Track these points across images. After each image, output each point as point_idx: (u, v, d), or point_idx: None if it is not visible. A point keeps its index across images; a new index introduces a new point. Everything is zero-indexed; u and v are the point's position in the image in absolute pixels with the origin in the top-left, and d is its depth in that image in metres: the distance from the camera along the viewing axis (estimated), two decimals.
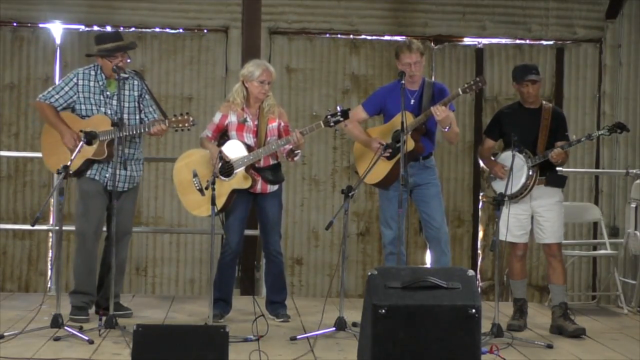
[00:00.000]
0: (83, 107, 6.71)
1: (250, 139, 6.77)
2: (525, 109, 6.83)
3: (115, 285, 6.45)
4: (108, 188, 6.65)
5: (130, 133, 6.58)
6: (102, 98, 6.71)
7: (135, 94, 6.77)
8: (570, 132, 9.37)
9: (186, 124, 6.53)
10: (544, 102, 6.90)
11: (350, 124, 6.81)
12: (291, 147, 6.67)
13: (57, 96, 6.72)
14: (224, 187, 6.67)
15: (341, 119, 6.56)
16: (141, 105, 6.77)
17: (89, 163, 6.64)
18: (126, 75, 6.69)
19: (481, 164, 7.34)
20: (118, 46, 6.68)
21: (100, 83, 6.73)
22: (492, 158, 6.92)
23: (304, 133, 6.64)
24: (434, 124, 6.85)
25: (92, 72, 6.75)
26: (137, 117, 6.75)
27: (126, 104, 6.71)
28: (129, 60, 6.75)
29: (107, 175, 6.66)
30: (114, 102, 6.67)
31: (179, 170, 6.87)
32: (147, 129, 6.60)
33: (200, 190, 6.37)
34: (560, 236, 6.87)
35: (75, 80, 6.73)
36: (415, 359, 4.79)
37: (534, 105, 6.81)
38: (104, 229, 6.88)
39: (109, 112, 6.68)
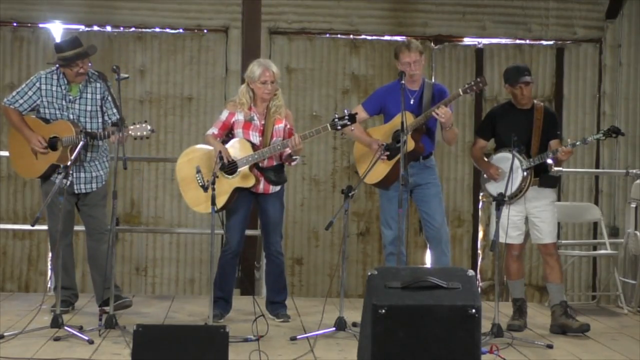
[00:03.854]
0: (47, 111, 6.84)
1: (255, 138, 6.76)
2: (518, 110, 6.82)
3: (105, 283, 6.49)
4: (75, 191, 6.84)
5: (91, 141, 6.73)
6: (64, 103, 6.82)
7: (98, 96, 6.85)
8: (570, 132, 9.45)
9: (144, 132, 6.58)
10: (535, 101, 6.90)
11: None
12: (289, 151, 6.67)
13: (21, 101, 6.85)
14: (227, 185, 6.67)
15: (348, 122, 6.56)
16: (104, 108, 6.84)
17: (53, 168, 6.75)
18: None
19: (474, 164, 7.33)
20: (76, 54, 6.73)
21: (63, 87, 6.82)
22: (485, 159, 6.91)
23: (306, 137, 6.63)
24: (435, 124, 6.86)
25: (55, 77, 6.84)
26: (100, 120, 6.83)
27: (89, 108, 6.81)
28: (90, 64, 6.80)
29: (69, 179, 6.74)
30: (76, 106, 6.80)
31: (182, 166, 6.86)
32: (103, 137, 6.71)
33: (203, 187, 6.38)
34: (555, 235, 6.89)
35: (38, 84, 6.84)
36: (415, 359, 4.79)
37: (526, 105, 6.81)
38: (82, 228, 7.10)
39: (71, 116, 6.80)
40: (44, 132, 6.77)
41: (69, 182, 6.76)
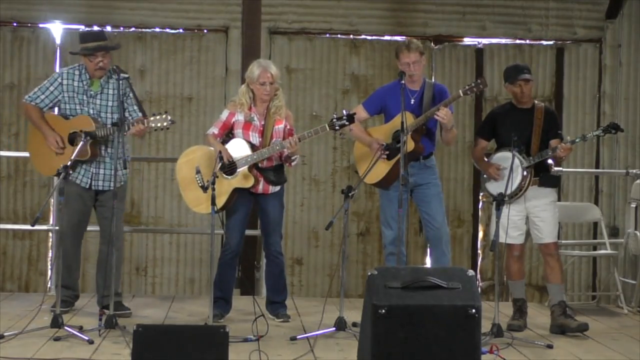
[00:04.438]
0: (67, 106, 6.83)
1: (255, 139, 6.77)
2: (518, 109, 6.83)
3: (109, 286, 6.47)
4: (93, 188, 6.82)
5: (111, 134, 6.67)
6: (85, 97, 6.82)
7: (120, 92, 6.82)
8: (570, 132, 9.43)
9: (164, 123, 6.59)
10: (536, 101, 6.90)
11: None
12: (287, 152, 6.68)
13: (42, 96, 6.85)
14: (226, 186, 6.67)
15: (347, 123, 6.56)
16: (125, 104, 6.80)
17: (74, 164, 6.69)
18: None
19: (475, 164, 7.33)
20: (99, 45, 6.76)
21: (84, 82, 6.83)
22: (486, 159, 6.91)
23: (302, 138, 6.64)
24: (435, 124, 6.86)
25: (77, 72, 6.86)
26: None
27: (110, 103, 6.82)
28: (110, 60, 6.83)
29: (88, 176, 6.80)
30: (97, 102, 6.80)
31: (182, 167, 6.87)
32: (126, 130, 6.66)
33: (203, 187, 6.39)
34: (556, 235, 6.88)
35: (59, 80, 6.85)
36: (415, 359, 4.79)
37: (526, 105, 6.81)
38: (92, 228, 7.09)
39: (91, 111, 6.79)
40: (64, 128, 6.75)
41: (90, 181, 6.74)
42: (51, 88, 6.84)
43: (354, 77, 10.03)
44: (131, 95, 6.80)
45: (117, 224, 6.83)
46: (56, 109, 6.96)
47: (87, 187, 6.82)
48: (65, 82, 6.83)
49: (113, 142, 6.75)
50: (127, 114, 6.77)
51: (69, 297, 6.95)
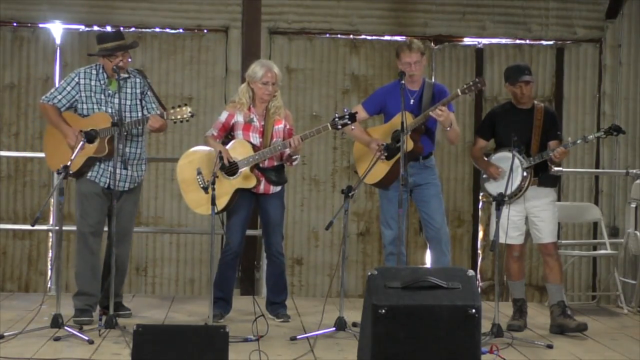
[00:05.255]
0: (85, 106, 6.75)
1: (256, 139, 6.77)
2: (518, 109, 6.82)
3: (116, 286, 6.47)
4: (110, 187, 6.69)
5: (128, 130, 6.60)
6: (103, 97, 6.74)
7: (138, 91, 6.79)
8: (570, 132, 9.44)
9: (184, 115, 6.57)
10: (535, 102, 6.90)
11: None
12: (289, 151, 6.68)
13: (59, 97, 6.76)
14: (228, 186, 6.67)
15: (349, 122, 6.57)
16: (143, 102, 6.78)
17: (90, 162, 6.66)
18: (126, 76, 6.73)
19: (474, 164, 7.33)
20: (119, 45, 6.71)
21: (102, 82, 6.76)
22: (485, 158, 6.91)
23: (304, 137, 6.65)
24: (434, 124, 6.86)
25: (94, 72, 6.79)
26: (139, 114, 6.74)
27: (128, 102, 6.75)
28: (129, 60, 6.78)
29: (107, 176, 6.69)
30: (116, 101, 6.67)
31: (183, 168, 6.86)
32: (143, 124, 6.62)
33: (204, 188, 6.38)
34: (555, 235, 6.88)
35: (77, 79, 6.78)
36: (415, 359, 4.79)
37: (526, 105, 6.81)
38: (105, 229, 6.92)
39: (109, 110, 6.69)
40: (81, 126, 6.63)
41: (107, 181, 6.68)
42: (68, 88, 6.75)
43: (354, 77, 10.03)
44: (149, 93, 6.79)
45: (127, 225, 6.81)
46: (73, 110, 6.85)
47: (106, 186, 6.72)
48: (82, 81, 6.75)
49: (132, 141, 6.72)
50: (146, 112, 6.74)
51: (90, 306, 6.68)
